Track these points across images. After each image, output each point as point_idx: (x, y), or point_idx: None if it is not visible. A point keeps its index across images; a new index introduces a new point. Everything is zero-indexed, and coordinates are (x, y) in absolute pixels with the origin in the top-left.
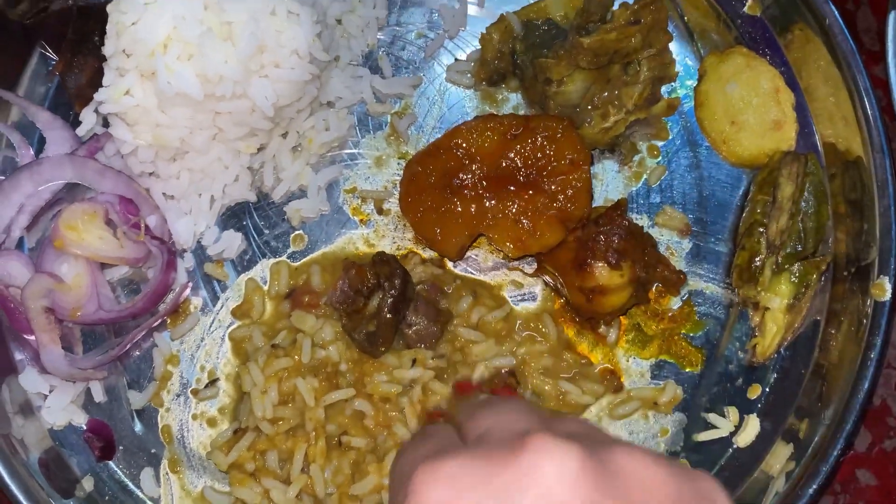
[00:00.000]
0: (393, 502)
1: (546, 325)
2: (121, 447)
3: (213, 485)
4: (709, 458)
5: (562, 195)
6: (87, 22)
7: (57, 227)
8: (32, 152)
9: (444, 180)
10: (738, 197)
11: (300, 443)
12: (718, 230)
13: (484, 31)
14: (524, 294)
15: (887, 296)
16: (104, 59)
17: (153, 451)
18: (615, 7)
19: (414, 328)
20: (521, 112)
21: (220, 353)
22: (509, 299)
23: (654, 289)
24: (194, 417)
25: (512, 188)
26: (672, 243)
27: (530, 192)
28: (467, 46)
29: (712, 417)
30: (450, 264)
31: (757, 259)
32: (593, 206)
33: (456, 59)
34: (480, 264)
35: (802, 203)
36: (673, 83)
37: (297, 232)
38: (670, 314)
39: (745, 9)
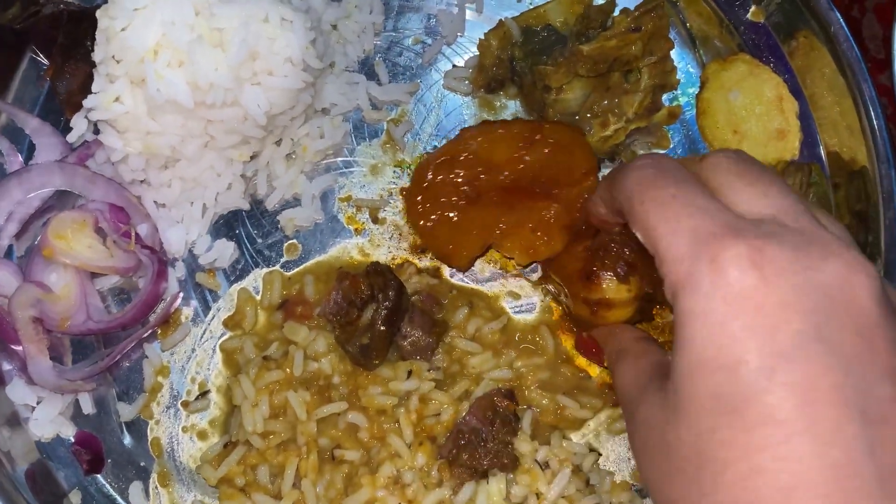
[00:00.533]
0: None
1: (543, 337)
2: (109, 460)
3: (202, 499)
4: None
5: (573, 204)
6: (79, 27)
7: (46, 235)
8: (21, 159)
9: (456, 190)
10: None
11: (291, 457)
12: None
13: (482, 38)
14: (521, 305)
15: None
16: (95, 64)
17: (142, 464)
18: (616, 13)
19: (409, 339)
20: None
21: (211, 365)
22: (507, 310)
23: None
24: (184, 430)
25: (525, 197)
26: None
27: (543, 201)
28: (465, 53)
29: None
30: (446, 274)
31: None
32: None
33: (454, 66)
34: (477, 274)
35: None
36: (674, 91)
37: (290, 241)
38: (671, 328)
39: (749, 15)
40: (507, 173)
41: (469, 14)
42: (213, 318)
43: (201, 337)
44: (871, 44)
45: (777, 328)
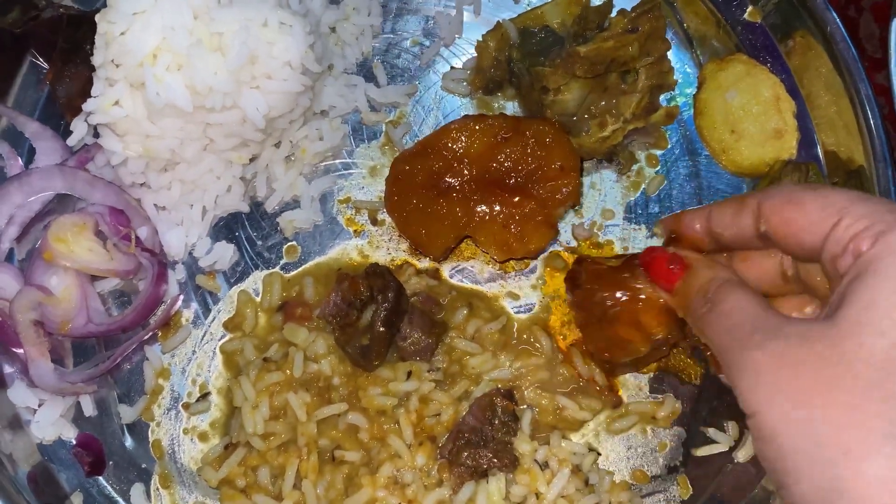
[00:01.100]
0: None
1: (538, 337)
2: (111, 462)
3: (204, 501)
4: (708, 472)
5: (550, 201)
6: (79, 30)
7: (46, 239)
8: (22, 163)
9: (430, 180)
10: None
11: (292, 458)
12: None
13: (480, 39)
14: (520, 306)
15: None
16: (95, 68)
17: (143, 466)
18: (613, 14)
19: (409, 340)
20: None
21: (211, 367)
22: (508, 310)
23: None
24: (185, 432)
25: (500, 191)
26: None
27: (518, 196)
28: (463, 54)
29: (712, 432)
30: (445, 275)
31: None
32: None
33: (452, 68)
34: (476, 275)
35: None
36: (672, 91)
37: (290, 243)
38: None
39: (746, 16)
40: (481, 167)
41: (467, 16)
42: (213, 320)
43: (202, 339)
44: (867, 43)
45: None
